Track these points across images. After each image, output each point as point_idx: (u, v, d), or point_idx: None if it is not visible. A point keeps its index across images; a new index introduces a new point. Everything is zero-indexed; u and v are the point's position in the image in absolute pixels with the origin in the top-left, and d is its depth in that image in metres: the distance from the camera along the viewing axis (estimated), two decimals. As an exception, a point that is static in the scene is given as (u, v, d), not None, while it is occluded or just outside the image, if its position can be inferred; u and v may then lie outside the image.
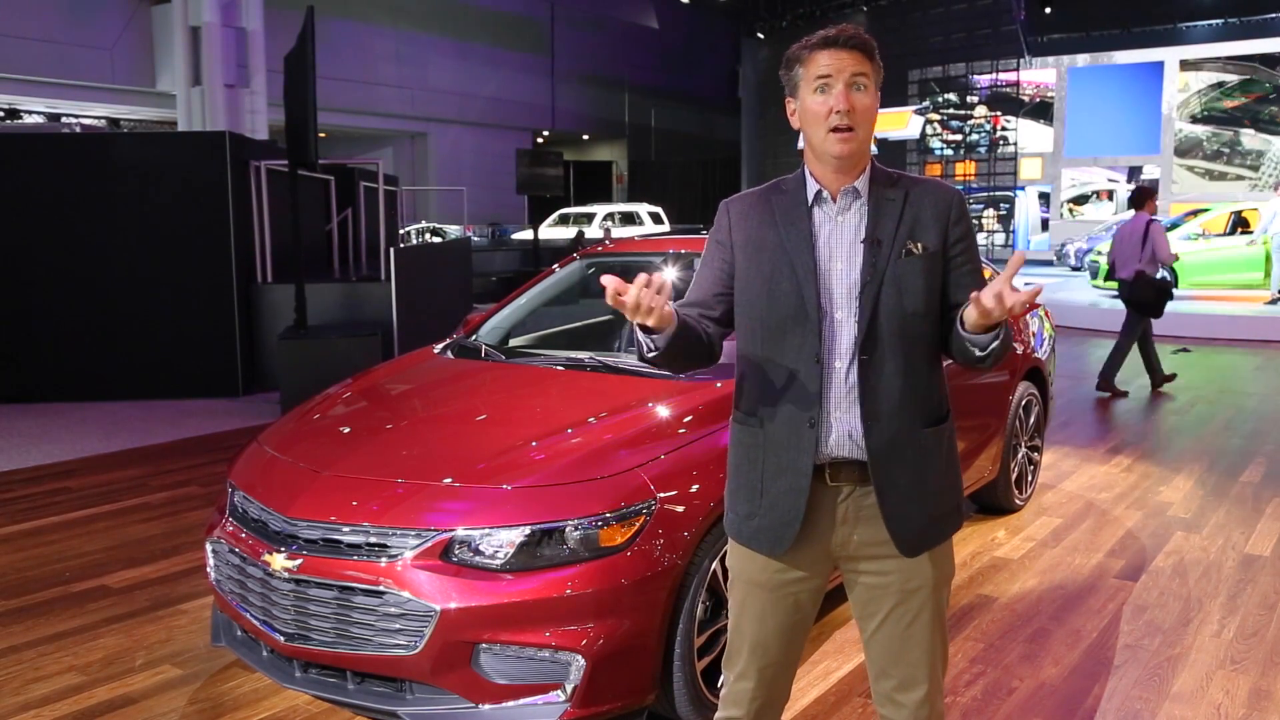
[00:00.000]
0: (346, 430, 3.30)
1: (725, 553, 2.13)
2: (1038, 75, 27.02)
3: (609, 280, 1.71)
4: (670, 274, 4.38)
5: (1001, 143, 25.39)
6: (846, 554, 1.96)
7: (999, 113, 25.48)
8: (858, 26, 1.91)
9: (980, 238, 24.29)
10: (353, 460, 2.94)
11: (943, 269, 1.92)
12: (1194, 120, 25.59)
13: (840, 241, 1.91)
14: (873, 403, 1.87)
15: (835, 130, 1.84)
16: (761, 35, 29.87)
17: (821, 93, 1.85)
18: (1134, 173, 26.66)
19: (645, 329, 1.83)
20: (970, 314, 1.76)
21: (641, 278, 1.74)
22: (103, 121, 23.45)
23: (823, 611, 3.65)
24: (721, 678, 2.15)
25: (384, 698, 2.65)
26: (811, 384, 1.89)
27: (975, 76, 25.74)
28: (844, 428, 1.89)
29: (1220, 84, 25.17)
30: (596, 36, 33.03)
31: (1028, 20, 25.44)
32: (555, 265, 4.56)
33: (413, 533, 2.61)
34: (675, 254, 4.40)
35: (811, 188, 1.93)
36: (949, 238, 1.92)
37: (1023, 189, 26.98)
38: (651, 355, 1.87)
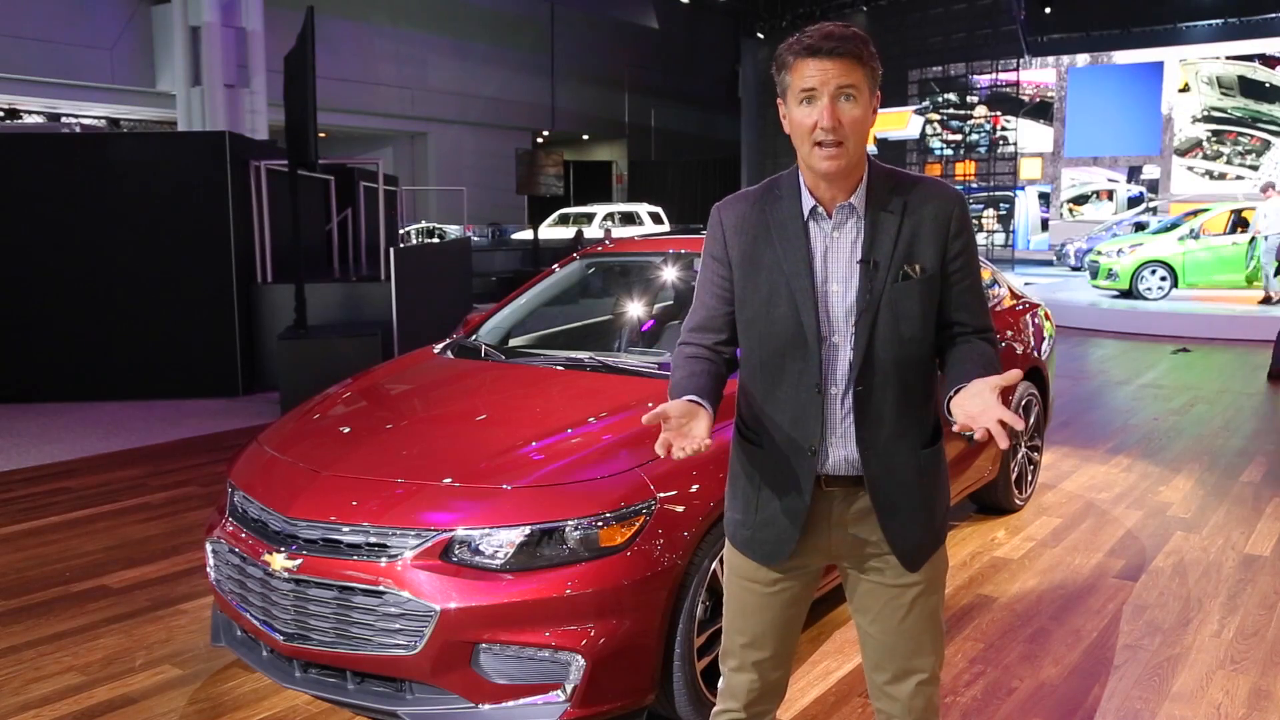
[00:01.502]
0: (346, 430, 3.30)
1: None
2: (1038, 75, 27.03)
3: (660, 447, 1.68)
4: (671, 274, 4.40)
5: (1001, 143, 25.40)
6: (840, 553, 1.96)
7: (999, 113, 25.49)
8: (845, 26, 1.79)
9: (980, 238, 24.32)
10: (352, 460, 2.94)
11: (940, 286, 1.87)
12: (1194, 120, 25.59)
13: (837, 262, 1.85)
14: (869, 432, 1.85)
15: (820, 145, 1.76)
16: (761, 35, 29.85)
17: (807, 104, 1.77)
18: (1134, 173, 26.68)
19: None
20: (959, 416, 1.70)
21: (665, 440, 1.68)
22: (103, 121, 23.46)
23: (823, 611, 3.65)
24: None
25: (384, 698, 2.65)
26: (811, 412, 1.86)
27: (975, 76, 25.75)
28: (841, 454, 1.87)
29: (1220, 84, 25.17)
30: (596, 36, 33.03)
31: (1028, 20, 25.44)
32: (555, 265, 4.56)
33: (413, 533, 2.61)
34: (675, 254, 4.40)
35: (807, 202, 1.86)
36: (948, 253, 1.86)
37: (1023, 189, 27.00)
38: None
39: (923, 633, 1.96)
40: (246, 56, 15.29)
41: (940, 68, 26.59)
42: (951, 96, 26.74)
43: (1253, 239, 13.13)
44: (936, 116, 26.95)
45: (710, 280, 1.97)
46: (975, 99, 26.16)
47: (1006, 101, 25.61)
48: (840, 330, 1.84)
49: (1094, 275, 14.78)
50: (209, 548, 3.06)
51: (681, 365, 1.94)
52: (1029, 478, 5.06)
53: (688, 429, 1.72)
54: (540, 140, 33.59)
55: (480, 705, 2.56)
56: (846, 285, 1.84)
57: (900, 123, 25.00)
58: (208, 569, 3.07)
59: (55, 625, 3.68)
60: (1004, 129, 25.59)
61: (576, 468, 2.75)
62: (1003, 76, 25.12)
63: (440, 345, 4.10)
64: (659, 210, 25.37)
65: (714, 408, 1.82)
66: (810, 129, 1.76)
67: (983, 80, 25.65)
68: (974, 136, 26.23)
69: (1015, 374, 1.69)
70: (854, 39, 1.77)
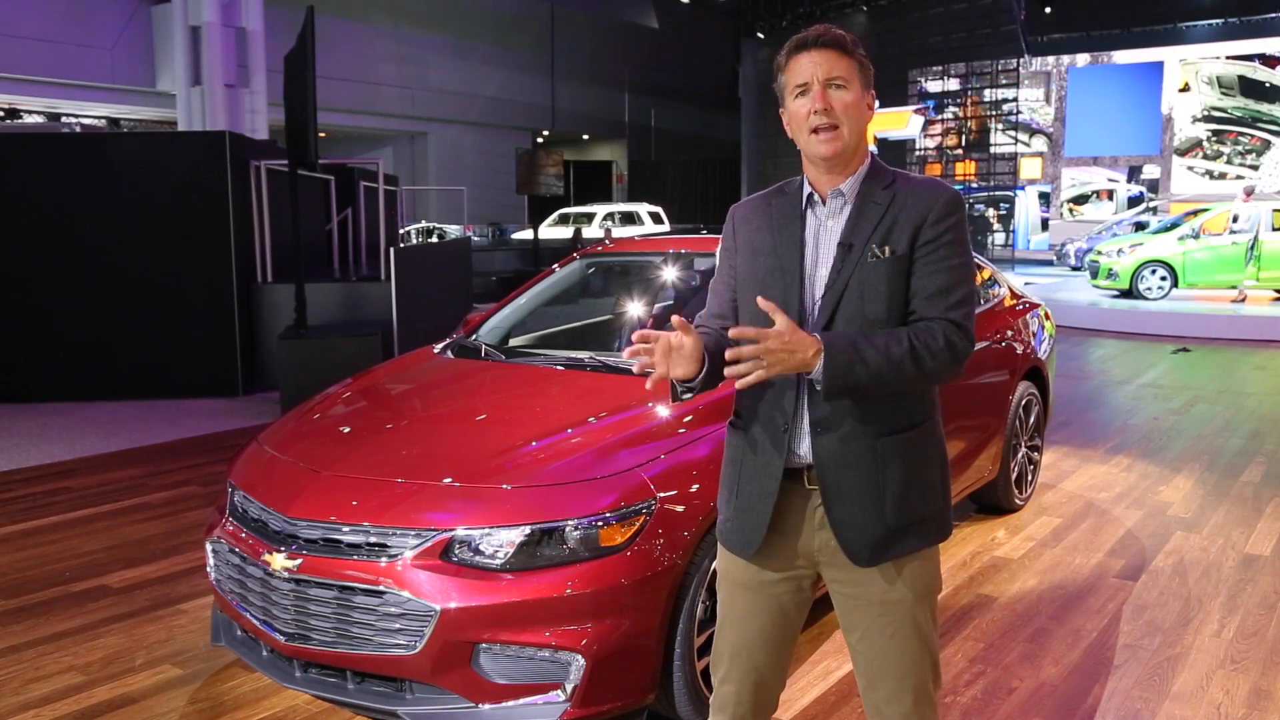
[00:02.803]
0: (346, 430, 3.30)
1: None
2: (1037, 76, 27.04)
3: (638, 340, 1.79)
4: (671, 274, 4.40)
5: (1001, 142, 25.38)
6: (822, 560, 1.94)
7: (999, 112, 25.49)
8: (829, 26, 1.90)
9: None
10: (353, 460, 2.94)
11: (909, 271, 1.86)
12: (1194, 120, 25.59)
13: (826, 246, 1.90)
14: (819, 409, 1.85)
15: (816, 131, 1.84)
16: (761, 35, 29.88)
17: (802, 96, 1.86)
18: (1134, 173, 26.68)
19: (680, 380, 1.82)
20: None
21: (662, 339, 1.79)
22: (103, 121, 23.44)
23: (822, 611, 3.65)
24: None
25: (384, 697, 2.65)
26: (789, 389, 1.88)
27: (975, 77, 25.75)
28: (812, 438, 1.88)
29: (1220, 83, 25.17)
30: (596, 36, 33.01)
31: (1028, 20, 25.45)
32: (555, 265, 4.56)
33: (413, 532, 2.61)
34: (675, 254, 4.40)
35: (806, 191, 1.94)
36: (919, 239, 1.85)
37: (1023, 189, 26.99)
38: (687, 396, 1.86)
39: (912, 650, 1.92)
40: (246, 56, 15.27)
41: (940, 67, 26.59)
42: (951, 92, 26.73)
43: (1255, 237, 13.20)
44: (937, 117, 26.95)
45: (722, 270, 2.04)
46: (975, 99, 26.16)
47: (1006, 100, 25.58)
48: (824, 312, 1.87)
49: (1094, 275, 14.79)
50: (209, 547, 3.06)
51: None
52: (1029, 477, 5.06)
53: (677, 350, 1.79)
54: (540, 140, 33.58)
55: (480, 705, 2.56)
56: (829, 269, 1.89)
57: (900, 123, 24.95)
58: (208, 569, 3.07)
59: (55, 625, 3.68)
60: (1004, 128, 25.56)
61: (576, 468, 2.75)
62: (1003, 76, 25.10)
63: (440, 345, 4.10)
64: (659, 210, 25.36)
65: (708, 359, 1.83)
66: (806, 117, 1.85)
67: (983, 80, 25.63)
68: (974, 137, 26.22)
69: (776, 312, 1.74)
70: (839, 34, 1.88)
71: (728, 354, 1.70)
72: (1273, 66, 24.44)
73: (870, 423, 1.86)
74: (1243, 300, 13.12)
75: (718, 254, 2.06)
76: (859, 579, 1.91)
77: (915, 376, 1.80)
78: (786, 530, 1.93)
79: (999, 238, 25.80)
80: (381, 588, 2.57)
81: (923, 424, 1.93)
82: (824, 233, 1.91)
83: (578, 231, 21.67)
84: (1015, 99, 25.28)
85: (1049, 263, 23.61)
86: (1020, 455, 4.90)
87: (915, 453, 1.91)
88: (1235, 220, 13.52)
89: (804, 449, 1.89)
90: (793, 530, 1.93)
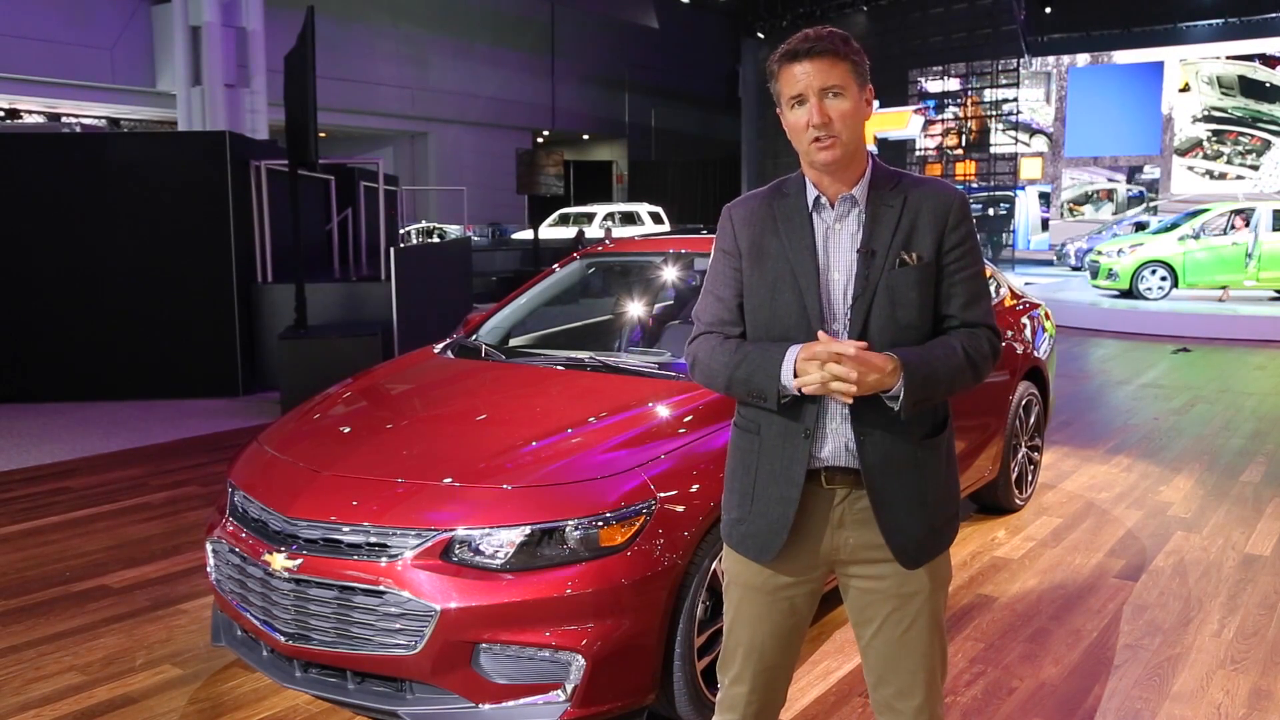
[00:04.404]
0: (346, 430, 3.30)
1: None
2: (1037, 76, 27.02)
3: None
4: (671, 273, 4.40)
5: (1001, 142, 25.38)
6: (840, 558, 1.94)
7: (999, 112, 25.50)
8: (822, 28, 1.86)
9: (980, 238, 24.26)
10: (353, 460, 2.94)
11: (937, 277, 1.88)
12: (1194, 120, 25.59)
13: (838, 251, 1.88)
14: (866, 417, 1.84)
15: (815, 141, 1.82)
16: (761, 35, 29.87)
17: (798, 106, 1.84)
18: (1134, 173, 26.68)
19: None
20: None
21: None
22: (103, 121, 23.44)
23: (822, 612, 3.65)
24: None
25: (384, 697, 2.65)
26: (809, 395, 1.86)
27: (975, 77, 25.75)
28: (841, 440, 1.87)
29: (1220, 83, 25.17)
30: (596, 36, 33.01)
31: (1028, 20, 25.45)
32: (555, 265, 4.56)
33: (413, 532, 2.61)
34: (675, 254, 4.40)
35: (811, 193, 1.91)
36: (944, 245, 1.88)
37: (1023, 189, 26.99)
38: (786, 400, 1.84)
39: (926, 644, 1.94)
40: (246, 56, 15.27)
41: (940, 67, 26.60)
42: (951, 92, 26.72)
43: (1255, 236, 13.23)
44: (937, 117, 26.95)
45: (723, 272, 1.99)
46: (976, 99, 26.16)
47: (1007, 101, 25.60)
48: (839, 317, 1.87)
49: (1094, 275, 14.79)
50: (209, 547, 3.06)
51: (729, 343, 1.93)
52: (1029, 478, 5.05)
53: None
54: (540, 140, 33.56)
55: (480, 705, 2.56)
56: (847, 274, 1.87)
57: (900, 123, 24.94)
58: (208, 569, 3.07)
59: (55, 625, 3.68)
60: (1004, 127, 25.56)
61: (576, 468, 2.75)
62: (1003, 76, 25.10)
63: (440, 345, 4.10)
64: (659, 210, 25.35)
65: None
66: (804, 128, 1.83)
67: (983, 80, 25.63)
68: (974, 136, 26.22)
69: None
70: (830, 37, 1.83)
71: (838, 370, 1.73)
72: (1273, 66, 24.44)
73: (911, 430, 1.88)
74: (1221, 300, 13.17)
75: (713, 255, 2.02)
76: (881, 573, 1.92)
77: (971, 383, 1.88)
78: (806, 533, 1.92)
79: (999, 237, 25.81)
80: (382, 588, 2.57)
81: (946, 426, 1.96)
82: (833, 236, 1.89)
83: (580, 232, 21.68)
84: (1015, 99, 25.26)
85: (1049, 263, 23.61)
86: (1020, 455, 4.90)
87: (945, 455, 1.96)
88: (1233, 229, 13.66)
89: (826, 452, 1.88)
90: (813, 533, 1.92)
